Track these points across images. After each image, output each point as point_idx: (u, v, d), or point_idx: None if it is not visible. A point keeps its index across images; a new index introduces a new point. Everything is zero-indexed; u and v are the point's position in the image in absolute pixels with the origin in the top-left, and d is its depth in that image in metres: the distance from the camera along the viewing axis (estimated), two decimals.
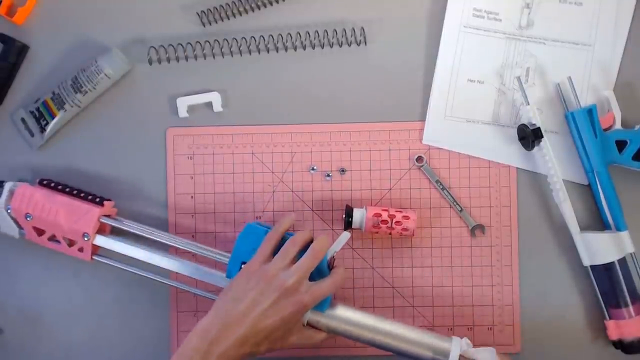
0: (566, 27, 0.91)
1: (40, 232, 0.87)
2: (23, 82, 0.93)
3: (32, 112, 0.92)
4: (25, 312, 0.93)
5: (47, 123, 0.91)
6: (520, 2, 0.91)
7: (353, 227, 0.89)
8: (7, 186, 0.88)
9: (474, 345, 0.87)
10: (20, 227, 0.88)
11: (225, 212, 0.92)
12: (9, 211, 0.87)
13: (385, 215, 0.88)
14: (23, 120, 0.92)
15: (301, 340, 0.81)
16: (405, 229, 0.88)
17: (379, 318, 0.83)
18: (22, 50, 0.92)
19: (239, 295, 0.78)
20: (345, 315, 0.82)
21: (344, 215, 0.89)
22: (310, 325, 0.82)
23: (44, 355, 0.93)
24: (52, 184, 0.89)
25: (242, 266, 0.82)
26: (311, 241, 0.81)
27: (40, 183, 0.89)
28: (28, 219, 0.86)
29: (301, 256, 0.80)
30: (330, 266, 0.83)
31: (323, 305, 0.81)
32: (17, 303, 0.93)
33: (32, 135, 0.92)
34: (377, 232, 0.89)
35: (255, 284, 0.78)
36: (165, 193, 0.93)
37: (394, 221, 0.88)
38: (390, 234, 0.89)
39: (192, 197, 0.93)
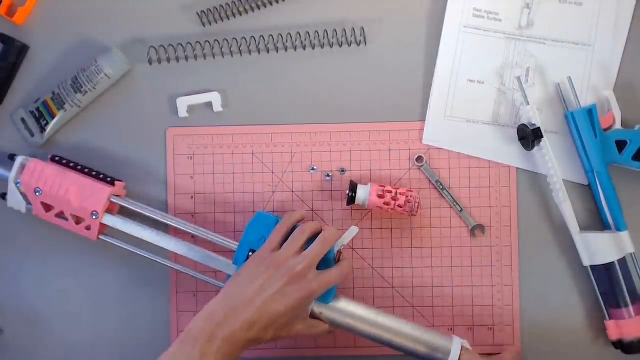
0: (566, 27, 0.91)
1: (48, 208, 0.87)
2: (23, 82, 0.93)
3: (32, 112, 0.92)
4: (25, 312, 0.93)
5: (47, 123, 0.91)
6: (520, 2, 0.91)
7: (356, 202, 0.88)
8: (19, 160, 0.87)
9: (473, 345, 0.88)
10: (28, 202, 0.87)
11: (225, 212, 0.92)
12: (18, 185, 0.87)
13: (388, 197, 0.88)
14: (23, 120, 0.92)
15: (305, 329, 0.81)
16: (408, 205, 0.88)
17: (381, 313, 0.83)
18: (22, 50, 0.92)
19: (247, 280, 0.78)
20: (348, 309, 0.83)
21: (347, 192, 0.88)
22: (314, 317, 0.83)
23: (44, 355, 0.93)
24: (64, 161, 0.88)
25: (250, 254, 0.83)
26: (319, 233, 0.82)
27: (53, 159, 0.89)
28: (37, 193, 0.86)
29: (310, 246, 0.81)
30: (337, 260, 0.83)
31: (328, 296, 0.82)
32: (17, 303, 0.93)
33: (32, 135, 0.92)
34: (380, 208, 0.88)
35: (264, 269, 0.78)
36: (165, 193, 0.93)
37: (397, 197, 0.87)
38: (393, 209, 0.88)
39: (192, 197, 0.93)
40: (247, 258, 0.83)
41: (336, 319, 0.83)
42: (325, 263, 0.81)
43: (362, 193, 0.88)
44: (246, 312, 0.76)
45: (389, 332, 0.82)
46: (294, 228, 0.83)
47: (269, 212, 0.89)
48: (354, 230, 0.83)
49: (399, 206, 0.88)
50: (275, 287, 0.77)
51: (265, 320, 0.77)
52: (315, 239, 0.82)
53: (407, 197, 0.88)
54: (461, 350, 0.81)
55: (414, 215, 0.89)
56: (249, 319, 0.76)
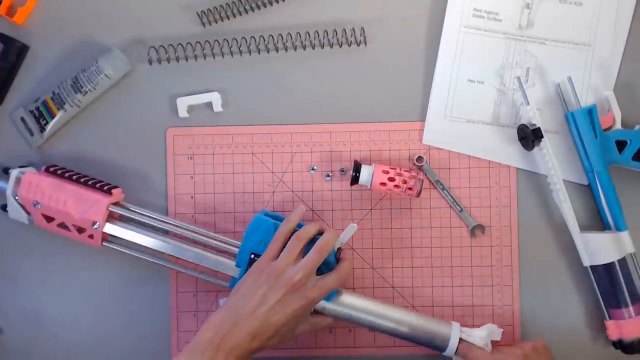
0: (566, 27, 0.91)
1: (49, 219, 0.87)
2: (23, 82, 0.93)
3: (32, 112, 0.92)
4: (25, 312, 0.93)
5: (47, 123, 0.91)
6: (520, 2, 0.91)
7: (360, 182, 0.88)
8: (14, 173, 0.87)
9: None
10: (28, 213, 0.88)
11: (225, 212, 0.92)
12: (16, 198, 0.87)
13: (392, 173, 0.88)
14: (23, 119, 0.92)
15: (308, 327, 0.84)
16: (411, 188, 0.88)
17: (382, 304, 0.85)
18: (22, 50, 0.92)
19: (249, 292, 0.80)
20: (350, 302, 0.85)
21: (351, 171, 0.88)
22: (316, 311, 0.84)
23: (44, 355, 0.93)
24: (59, 172, 0.88)
25: (252, 256, 0.84)
26: (319, 233, 0.83)
27: (47, 170, 0.88)
28: (36, 206, 0.86)
29: (310, 247, 0.81)
30: (337, 257, 0.84)
31: (330, 296, 0.84)
32: (17, 303, 0.93)
33: (32, 134, 0.92)
34: (384, 185, 0.88)
35: (264, 280, 0.80)
36: (165, 193, 0.93)
37: (402, 172, 0.88)
38: (398, 185, 0.87)
39: (192, 197, 0.93)
40: (250, 260, 0.84)
41: (338, 312, 0.85)
42: (325, 264, 0.82)
43: (365, 172, 0.88)
44: (249, 324, 0.78)
45: (391, 320, 0.84)
46: (294, 230, 0.84)
47: (269, 211, 0.89)
48: (352, 228, 0.84)
49: (404, 182, 0.88)
50: (275, 298, 0.79)
51: (269, 330, 0.79)
52: (314, 240, 0.82)
53: (411, 174, 0.88)
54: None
55: (417, 196, 0.89)
56: (252, 331, 0.78)
